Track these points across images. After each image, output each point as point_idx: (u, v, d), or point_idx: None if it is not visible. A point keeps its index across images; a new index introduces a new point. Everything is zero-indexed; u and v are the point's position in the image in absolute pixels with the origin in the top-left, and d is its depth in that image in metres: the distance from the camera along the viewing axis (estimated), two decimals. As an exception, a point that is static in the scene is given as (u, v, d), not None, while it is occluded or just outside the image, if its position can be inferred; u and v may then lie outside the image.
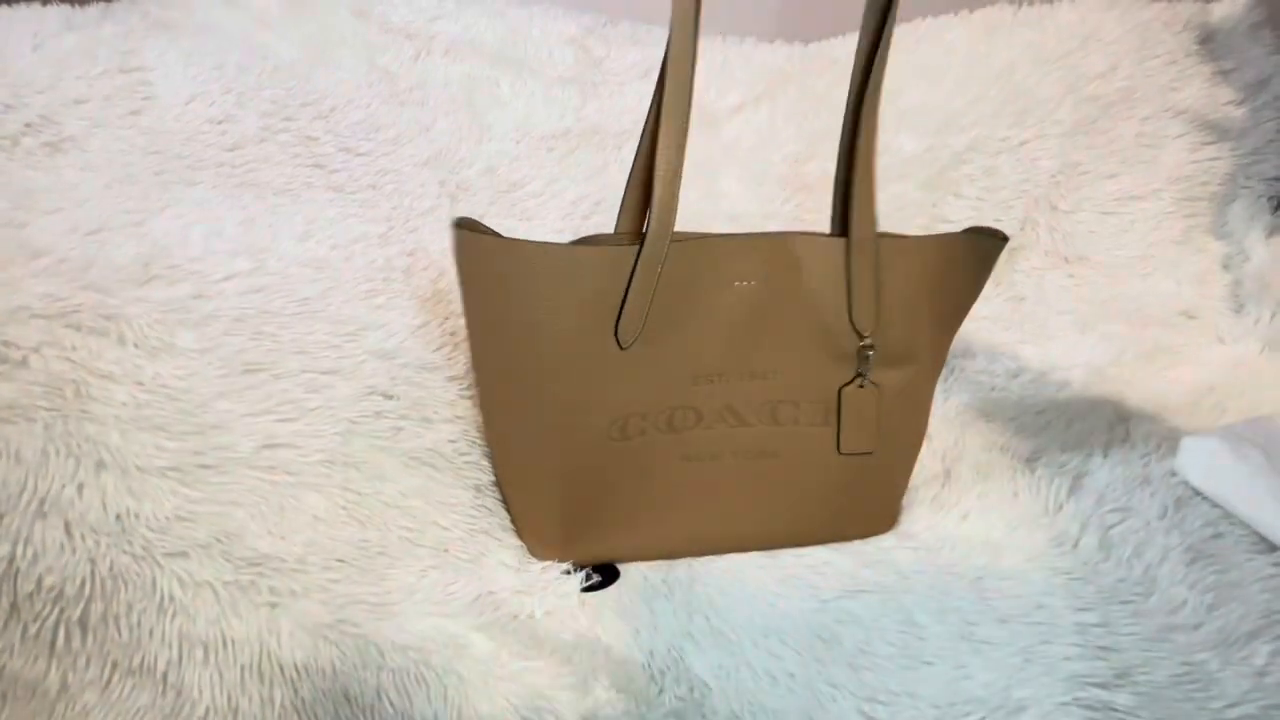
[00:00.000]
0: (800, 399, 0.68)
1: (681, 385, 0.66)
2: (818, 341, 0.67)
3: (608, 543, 0.70)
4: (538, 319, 0.62)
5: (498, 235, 0.63)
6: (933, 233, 0.76)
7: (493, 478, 0.73)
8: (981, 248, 0.70)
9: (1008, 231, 1.02)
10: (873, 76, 0.64)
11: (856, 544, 0.72)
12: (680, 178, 0.62)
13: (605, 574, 0.67)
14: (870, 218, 0.66)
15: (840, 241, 0.67)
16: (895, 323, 0.68)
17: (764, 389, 0.68)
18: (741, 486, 0.70)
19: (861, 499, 0.73)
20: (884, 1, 0.62)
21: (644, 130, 0.63)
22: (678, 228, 0.63)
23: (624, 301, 0.62)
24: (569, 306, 0.62)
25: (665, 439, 0.67)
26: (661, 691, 0.60)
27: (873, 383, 0.69)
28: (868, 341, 0.67)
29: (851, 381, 0.68)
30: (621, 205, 0.67)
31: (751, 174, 1.03)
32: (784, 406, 0.68)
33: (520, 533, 0.71)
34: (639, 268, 0.62)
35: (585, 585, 0.66)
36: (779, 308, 0.66)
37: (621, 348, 0.63)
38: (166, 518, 0.57)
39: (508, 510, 0.72)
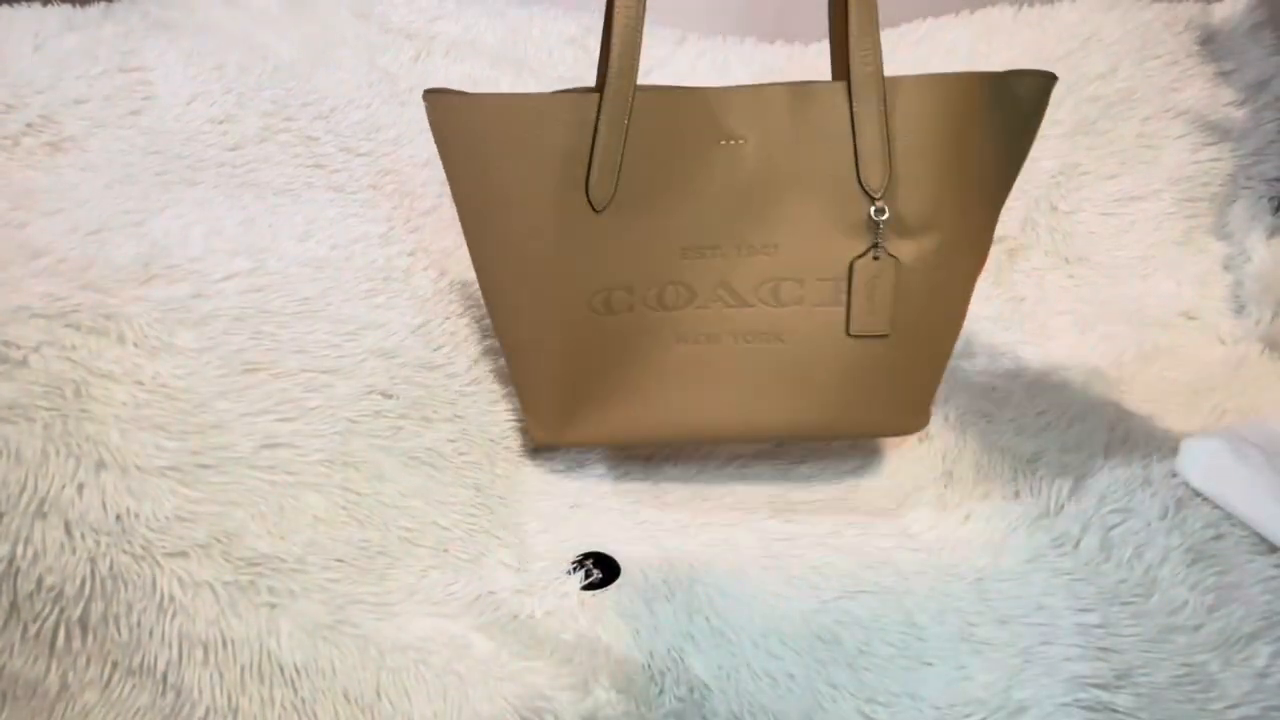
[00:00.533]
0: (805, 275, 0.61)
1: (669, 258, 0.61)
2: (823, 208, 0.60)
3: (604, 425, 0.66)
4: (512, 178, 0.59)
5: (466, 94, 0.60)
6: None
7: (492, 477, 0.73)
8: (1020, 88, 0.60)
9: (1007, 231, 1.03)
10: None
11: (856, 542, 0.71)
12: (642, 21, 0.58)
13: (605, 572, 0.67)
14: (873, 53, 0.59)
15: (840, 86, 0.59)
16: (913, 179, 0.59)
17: (764, 265, 0.61)
18: (743, 372, 0.64)
19: (880, 391, 0.66)
20: None
21: None
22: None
23: (591, 156, 0.58)
24: (542, 163, 0.59)
25: (657, 317, 0.62)
26: (661, 692, 0.60)
27: (889, 254, 0.61)
28: (880, 203, 0.59)
29: (865, 253, 0.60)
30: (598, 65, 0.62)
31: (752, 174, 1.03)
32: (787, 285, 0.62)
33: (523, 413, 0.70)
34: (601, 118, 0.57)
35: (585, 584, 0.66)
36: (776, 169, 0.60)
37: (595, 211, 0.59)
38: (166, 518, 0.57)
39: (515, 389, 0.71)
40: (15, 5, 0.85)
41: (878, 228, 0.60)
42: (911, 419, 0.69)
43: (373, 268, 0.81)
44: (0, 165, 0.74)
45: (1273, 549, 0.69)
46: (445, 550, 0.67)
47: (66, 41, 0.83)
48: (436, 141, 0.62)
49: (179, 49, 0.87)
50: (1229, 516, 0.72)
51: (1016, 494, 0.76)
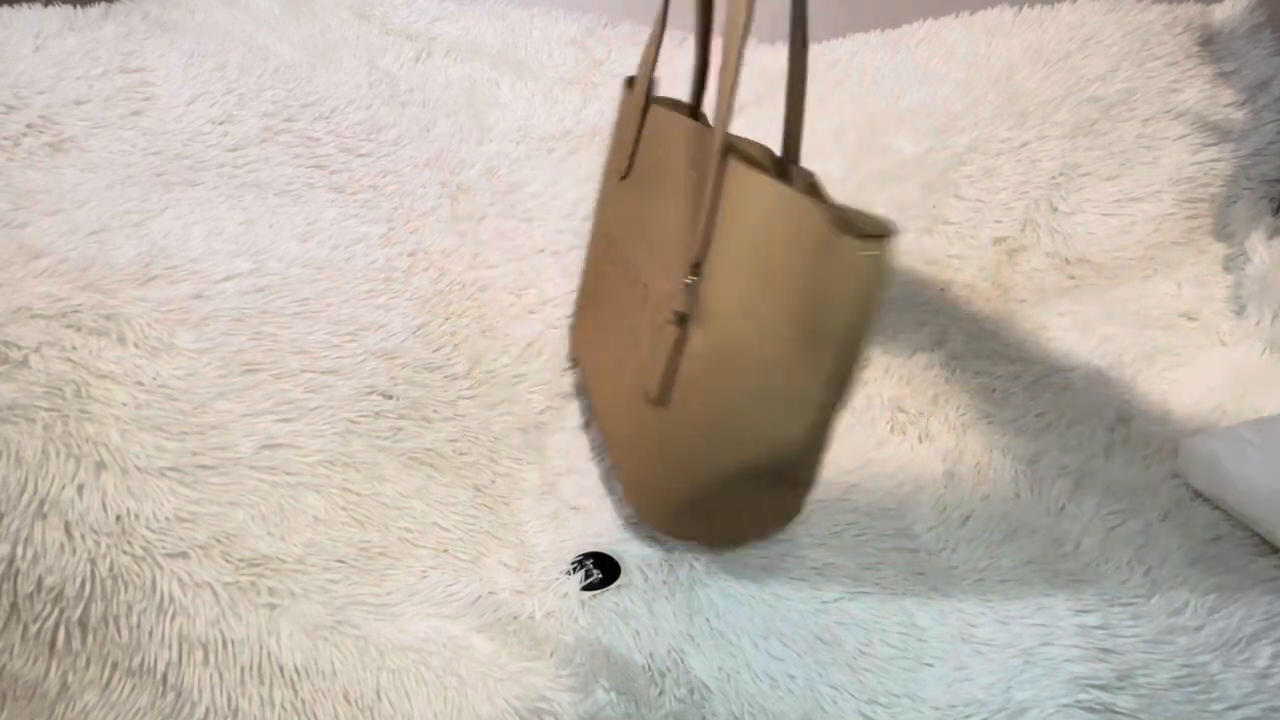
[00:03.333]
0: (662, 301, 0.63)
1: (639, 242, 0.70)
2: (678, 247, 0.62)
3: (580, 342, 0.84)
4: (616, 139, 0.79)
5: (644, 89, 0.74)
6: (926, 257, 0.75)
7: (492, 478, 0.73)
8: (832, 246, 0.50)
9: (1007, 232, 1.03)
10: None
11: (855, 543, 0.71)
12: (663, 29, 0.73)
13: (605, 572, 0.67)
14: (716, 139, 0.56)
15: (719, 136, 0.57)
16: (718, 269, 0.56)
17: (666, 286, 0.63)
18: (619, 360, 0.72)
19: (639, 452, 0.68)
20: None
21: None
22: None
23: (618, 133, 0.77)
24: (618, 133, 0.79)
25: (623, 286, 0.73)
26: (661, 693, 0.59)
27: (678, 326, 0.59)
28: (692, 278, 0.57)
29: (667, 319, 0.60)
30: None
31: (752, 175, 1.03)
32: (651, 294, 0.66)
33: (572, 319, 0.88)
34: (622, 108, 0.78)
35: (585, 584, 0.66)
36: (671, 196, 0.65)
37: (620, 179, 0.76)
38: (166, 518, 0.57)
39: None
40: (16, 6, 0.86)
41: (687, 291, 0.58)
42: (647, 506, 0.68)
43: (373, 268, 0.81)
44: (0, 165, 0.74)
45: (1273, 550, 0.69)
46: (445, 551, 0.67)
47: (67, 42, 0.83)
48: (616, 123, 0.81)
49: (180, 50, 0.87)
50: (1229, 518, 0.72)
51: (1016, 494, 0.76)
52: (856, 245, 0.50)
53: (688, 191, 0.62)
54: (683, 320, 0.58)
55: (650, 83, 0.73)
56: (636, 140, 0.74)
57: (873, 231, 0.50)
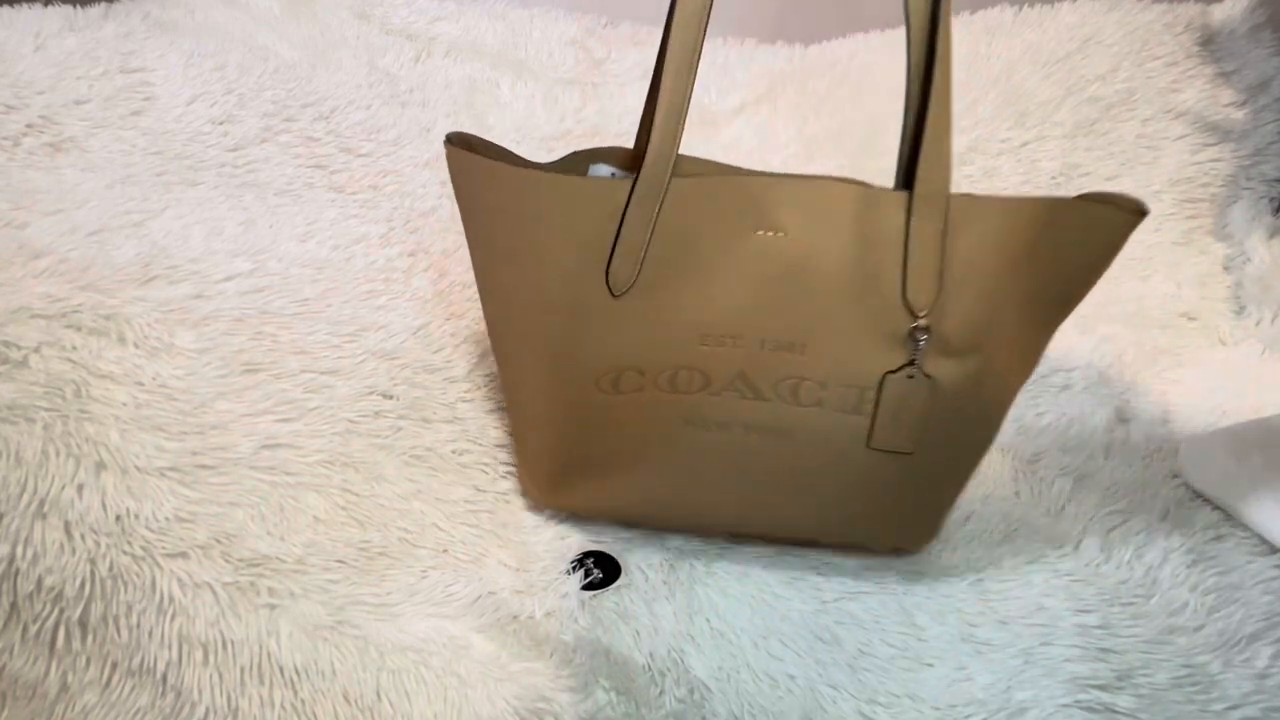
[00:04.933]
0: (830, 380, 0.57)
1: (686, 344, 0.57)
2: (860, 315, 0.56)
3: (600, 497, 0.65)
4: (528, 253, 0.56)
5: (489, 153, 0.58)
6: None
7: (493, 477, 0.73)
8: (1099, 219, 0.54)
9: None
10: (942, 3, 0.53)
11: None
12: (687, 105, 0.55)
13: (606, 572, 0.67)
14: (943, 169, 0.54)
15: (901, 196, 0.55)
16: (962, 302, 0.55)
17: (787, 362, 0.57)
18: (748, 464, 0.61)
19: (890, 507, 0.63)
20: None
21: (657, 58, 0.58)
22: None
23: (615, 243, 0.55)
24: (563, 244, 0.56)
25: (667, 399, 0.59)
26: (662, 693, 0.59)
27: (925, 374, 0.56)
28: (923, 323, 0.55)
29: (899, 370, 0.57)
30: (637, 134, 0.63)
31: (752, 175, 1.03)
32: (808, 385, 0.58)
33: (517, 467, 0.70)
34: (632, 205, 0.55)
35: (585, 583, 0.66)
36: (815, 267, 0.55)
37: (614, 296, 0.56)
38: (166, 518, 0.57)
39: (513, 443, 0.71)
40: (16, 6, 0.86)
41: (917, 346, 0.56)
42: (917, 537, 0.66)
43: (373, 269, 0.81)
44: (0, 165, 0.74)
45: (1273, 550, 0.69)
46: (445, 551, 0.67)
47: (67, 42, 0.83)
48: (455, 194, 0.60)
49: (180, 50, 0.87)
50: (1229, 517, 0.72)
51: (1017, 494, 0.76)
52: (1118, 215, 0.54)
53: (808, 254, 0.55)
54: (913, 367, 0.56)
55: (671, 168, 0.56)
56: (649, 235, 0.56)
57: (1109, 200, 0.55)
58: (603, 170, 0.64)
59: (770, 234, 0.55)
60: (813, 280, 0.56)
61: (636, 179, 0.54)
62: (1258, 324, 0.95)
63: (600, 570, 0.67)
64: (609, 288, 0.56)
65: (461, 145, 0.58)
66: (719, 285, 0.56)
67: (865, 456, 0.60)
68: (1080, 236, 0.55)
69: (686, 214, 0.55)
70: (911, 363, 0.56)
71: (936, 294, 0.55)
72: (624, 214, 0.55)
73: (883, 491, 0.62)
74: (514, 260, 0.58)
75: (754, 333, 0.57)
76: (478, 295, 0.72)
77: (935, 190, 0.54)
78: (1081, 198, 0.54)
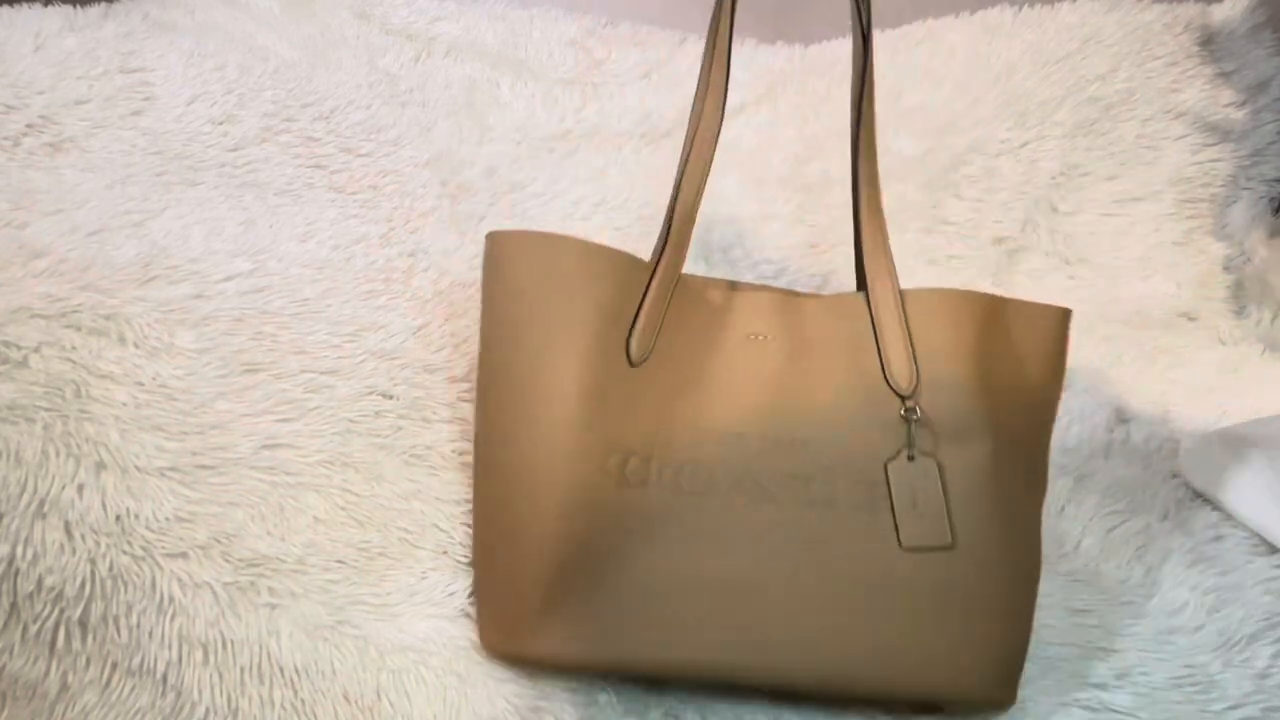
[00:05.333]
0: (836, 476, 0.57)
1: (691, 435, 0.57)
2: (854, 408, 0.58)
3: (592, 627, 0.56)
4: (559, 314, 0.57)
5: (528, 232, 0.61)
6: (926, 257, 0.79)
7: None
8: (1031, 317, 0.61)
9: (1007, 232, 1.04)
10: (864, 128, 0.64)
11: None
12: (700, 198, 0.62)
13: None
14: (888, 276, 0.61)
15: (861, 296, 0.61)
16: (943, 383, 0.58)
17: (795, 460, 0.57)
18: (771, 582, 0.55)
19: (952, 630, 0.56)
20: (861, 70, 0.63)
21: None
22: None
23: (638, 313, 0.58)
24: (592, 305, 0.57)
25: (672, 502, 0.56)
26: (662, 691, 0.59)
27: (925, 454, 0.57)
28: (911, 404, 0.57)
29: (897, 455, 0.57)
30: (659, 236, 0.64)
31: (752, 175, 1.03)
32: (817, 485, 0.56)
33: (481, 613, 0.60)
34: (653, 282, 0.59)
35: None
36: (801, 369, 0.59)
37: (632, 364, 0.58)
38: (166, 518, 0.57)
39: (474, 591, 0.62)
40: (16, 6, 0.86)
41: (909, 427, 0.57)
42: (993, 684, 0.57)
43: (373, 269, 0.81)
44: (0, 165, 0.74)
45: (1272, 550, 0.69)
46: (445, 552, 0.67)
47: (67, 42, 0.83)
48: (485, 280, 0.62)
49: (179, 50, 0.87)
50: (1229, 517, 0.72)
51: (1016, 495, 0.76)
52: (1048, 313, 0.61)
53: (797, 353, 0.60)
54: (911, 448, 0.57)
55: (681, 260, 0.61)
56: (664, 314, 0.60)
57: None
58: None
59: (761, 338, 0.60)
60: (801, 380, 0.59)
61: (661, 253, 0.60)
62: (1257, 324, 0.95)
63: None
64: (628, 356, 0.58)
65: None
66: (722, 383, 0.59)
67: (903, 562, 0.56)
68: (1023, 330, 0.61)
69: (689, 313, 0.60)
70: (910, 444, 0.57)
71: (915, 377, 0.58)
72: (646, 288, 0.59)
73: (935, 609, 0.56)
74: (541, 323, 0.58)
75: (756, 430, 0.57)
76: (476, 295, 0.72)
77: (886, 294, 0.60)
78: (1011, 300, 0.61)
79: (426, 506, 0.68)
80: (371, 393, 0.71)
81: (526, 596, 0.56)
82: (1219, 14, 1.06)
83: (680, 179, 0.62)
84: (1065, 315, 0.62)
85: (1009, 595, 0.57)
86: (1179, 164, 1.03)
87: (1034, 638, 0.63)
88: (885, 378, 0.58)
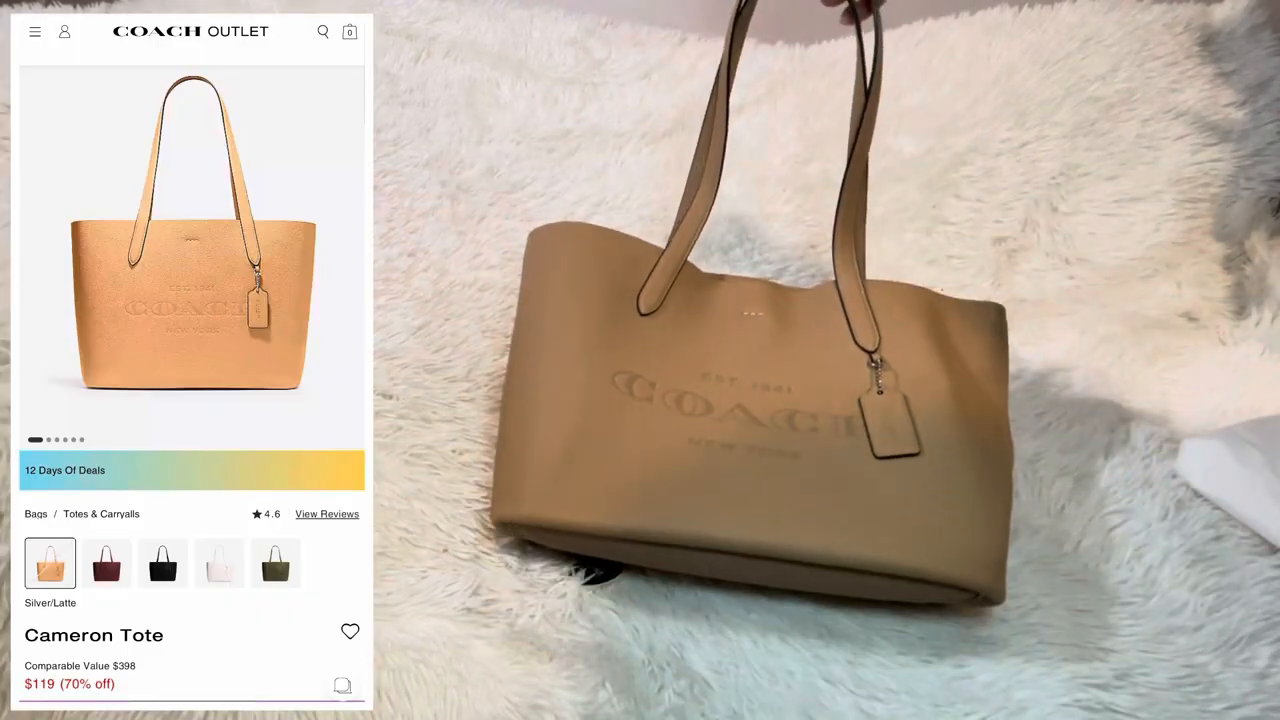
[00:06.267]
0: (819, 411, 0.67)
1: (691, 375, 0.68)
2: (831, 365, 0.69)
3: (600, 499, 0.61)
4: (586, 269, 0.70)
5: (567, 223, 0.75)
6: (926, 257, 0.92)
7: (491, 478, 0.73)
8: (967, 310, 0.73)
9: (1007, 232, 1.04)
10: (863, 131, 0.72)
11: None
12: (717, 188, 0.73)
13: (606, 568, 0.67)
14: (849, 262, 0.72)
15: (831, 285, 0.72)
16: (901, 343, 0.69)
17: (778, 399, 0.67)
18: (758, 482, 0.62)
19: (929, 520, 0.61)
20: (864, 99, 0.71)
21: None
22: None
23: (649, 276, 0.71)
24: (611, 266, 0.71)
25: (673, 417, 0.65)
26: (661, 689, 0.59)
27: (895, 390, 0.67)
28: (877, 356, 0.69)
29: (869, 390, 0.67)
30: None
31: (752, 175, 1.03)
32: (801, 416, 0.66)
33: (498, 487, 0.66)
34: (665, 254, 0.72)
35: (587, 580, 0.66)
36: (789, 338, 0.71)
37: (641, 314, 0.70)
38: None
39: (497, 462, 0.68)
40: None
41: (875, 371, 0.68)
42: (977, 567, 0.61)
43: (373, 269, 0.81)
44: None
45: (1273, 550, 0.69)
46: (445, 551, 0.67)
47: (67, 42, 0.83)
48: (526, 259, 0.75)
49: (180, 50, 0.87)
50: (1229, 517, 0.72)
51: (1017, 494, 0.76)
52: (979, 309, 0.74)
53: (784, 328, 0.72)
54: (879, 385, 0.68)
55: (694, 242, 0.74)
56: (673, 280, 0.72)
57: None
58: None
59: (755, 314, 0.72)
60: (788, 346, 0.71)
61: (670, 242, 0.73)
62: (1257, 324, 0.95)
63: (601, 567, 0.67)
64: (638, 307, 0.70)
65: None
66: (717, 343, 0.71)
67: (878, 470, 0.63)
68: (962, 321, 0.72)
69: (693, 293, 0.73)
70: (878, 383, 0.67)
71: (877, 335, 0.70)
72: (660, 256, 0.72)
73: (911, 508, 0.61)
74: (569, 279, 0.70)
75: (746, 377, 0.68)
76: (476, 294, 0.74)
77: (850, 279, 0.72)
78: (952, 298, 0.74)
79: (426, 506, 0.68)
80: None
81: (539, 472, 0.62)
82: (1219, 14, 1.06)
83: (699, 177, 0.74)
84: (998, 315, 0.74)
85: (979, 491, 0.63)
86: (1179, 164, 1.03)
87: (1034, 638, 0.63)
88: (853, 338, 0.70)
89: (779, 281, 0.75)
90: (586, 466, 0.62)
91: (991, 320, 0.73)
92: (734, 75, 0.72)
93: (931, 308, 0.72)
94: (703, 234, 0.73)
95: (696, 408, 0.66)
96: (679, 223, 0.73)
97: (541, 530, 0.64)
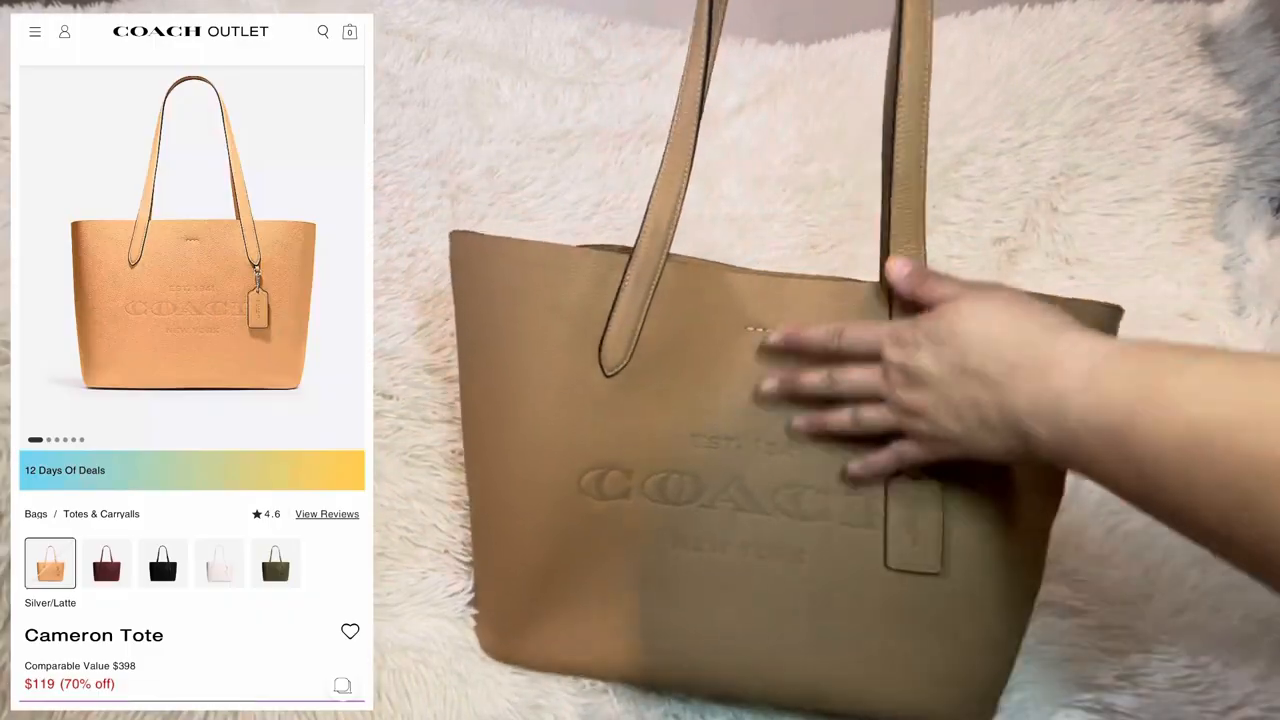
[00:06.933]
0: (832, 485, 0.54)
1: (677, 441, 0.54)
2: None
3: (573, 640, 0.57)
4: (523, 325, 0.54)
5: (489, 236, 0.57)
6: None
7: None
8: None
9: (1007, 232, 1.03)
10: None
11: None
12: (686, 182, 0.55)
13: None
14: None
15: (878, 287, 0.55)
16: None
17: (785, 466, 0.54)
18: (749, 596, 0.54)
19: (931, 654, 0.54)
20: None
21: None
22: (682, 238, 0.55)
23: (610, 317, 0.54)
24: (557, 313, 0.54)
25: (654, 510, 0.55)
26: (661, 693, 0.59)
27: (930, 476, 0.53)
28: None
29: (902, 471, 0.53)
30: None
31: (752, 176, 1.03)
32: (810, 494, 0.54)
33: (478, 615, 0.62)
34: (628, 277, 0.54)
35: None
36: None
37: (605, 374, 0.54)
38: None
39: (475, 592, 0.63)
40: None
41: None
42: (971, 708, 0.56)
43: (373, 269, 0.81)
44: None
45: (1273, 549, 0.69)
46: (445, 551, 0.67)
47: (67, 42, 0.83)
48: (453, 281, 0.59)
49: (179, 50, 0.87)
50: (1229, 517, 0.72)
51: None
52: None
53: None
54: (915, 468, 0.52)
55: (669, 243, 0.55)
56: (644, 315, 0.54)
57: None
58: None
59: (758, 331, 0.55)
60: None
61: (632, 253, 0.54)
62: (1258, 324, 0.95)
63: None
64: (600, 366, 0.54)
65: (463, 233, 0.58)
66: (712, 380, 0.54)
67: (887, 581, 0.53)
68: None
69: (677, 305, 0.54)
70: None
71: None
72: (620, 287, 0.54)
73: (917, 631, 0.54)
74: (507, 336, 0.55)
75: (749, 433, 0.54)
76: None
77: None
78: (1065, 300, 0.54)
79: (426, 506, 0.68)
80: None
81: (515, 603, 0.58)
82: (1219, 14, 1.06)
83: (657, 175, 0.57)
84: (1115, 313, 0.57)
85: (996, 624, 0.55)
86: (1179, 164, 1.02)
87: (1034, 638, 0.63)
88: None
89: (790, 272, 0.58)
90: (558, 599, 0.56)
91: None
92: (711, 63, 0.55)
93: None
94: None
95: (684, 492, 0.55)
96: (638, 239, 0.55)
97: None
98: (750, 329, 0.55)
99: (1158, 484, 0.38)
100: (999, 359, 0.45)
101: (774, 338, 0.54)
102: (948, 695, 0.55)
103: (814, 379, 0.53)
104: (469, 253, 0.57)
